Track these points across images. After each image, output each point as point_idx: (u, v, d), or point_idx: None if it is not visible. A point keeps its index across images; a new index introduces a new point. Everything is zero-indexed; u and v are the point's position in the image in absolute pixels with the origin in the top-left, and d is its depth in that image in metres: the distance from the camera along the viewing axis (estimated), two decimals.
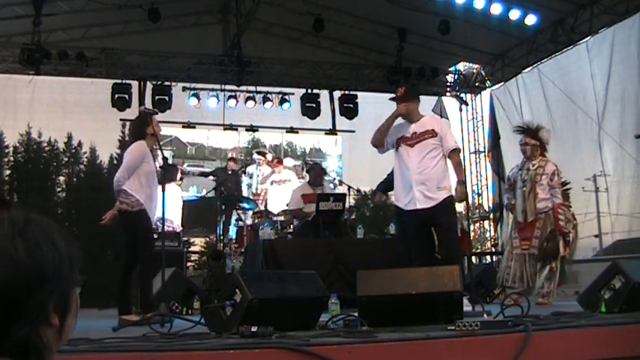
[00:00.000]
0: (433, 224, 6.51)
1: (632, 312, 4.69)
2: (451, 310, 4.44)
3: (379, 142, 6.80)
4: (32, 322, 1.24)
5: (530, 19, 13.80)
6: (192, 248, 12.29)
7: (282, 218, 10.56)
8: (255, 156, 14.73)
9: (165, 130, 14.69)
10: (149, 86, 14.79)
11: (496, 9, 13.47)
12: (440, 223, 6.44)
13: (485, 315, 5.07)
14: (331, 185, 13.03)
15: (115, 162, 13.41)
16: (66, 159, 13.51)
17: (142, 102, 14.11)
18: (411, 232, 6.59)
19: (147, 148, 6.74)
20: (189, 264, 11.32)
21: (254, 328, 3.62)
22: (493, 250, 15.16)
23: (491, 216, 16.77)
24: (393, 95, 6.96)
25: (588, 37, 13.72)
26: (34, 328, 1.25)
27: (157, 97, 14.51)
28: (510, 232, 8.71)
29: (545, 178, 8.29)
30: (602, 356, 3.69)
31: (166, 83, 14.85)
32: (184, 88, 15.33)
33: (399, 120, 6.92)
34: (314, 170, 10.80)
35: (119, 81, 14.43)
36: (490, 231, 16.92)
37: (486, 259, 14.45)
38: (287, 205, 10.50)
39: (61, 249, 1.30)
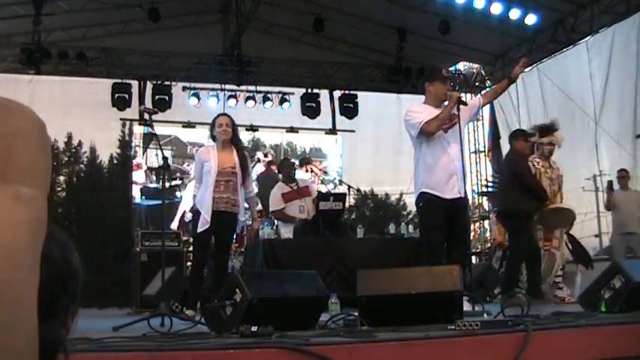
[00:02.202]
0: (455, 218, 6.41)
1: (633, 312, 4.69)
2: (451, 309, 4.44)
3: (438, 130, 6.55)
4: (60, 324, 1.25)
5: (531, 19, 13.82)
6: (192, 248, 12.27)
7: None
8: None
9: (166, 130, 14.71)
10: (149, 86, 14.79)
11: (496, 9, 13.48)
12: (462, 219, 6.34)
13: (485, 315, 5.07)
14: (310, 179, 13.00)
15: (115, 162, 13.41)
16: (66, 158, 13.49)
17: (142, 101, 14.11)
18: (442, 222, 6.48)
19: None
20: (189, 263, 11.30)
21: (254, 328, 3.62)
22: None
23: (491, 216, 16.77)
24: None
25: (588, 37, 13.74)
26: (61, 330, 1.26)
27: (157, 97, 14.51)
28: None
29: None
30: (602, 356, 3.69)
31: (166, 83, 14.85)
32: (184, 88, 15.33)
33: (421, 104, 6.83)
34: (284, 166, 10.80)
35: (119, 80, 14.43)
36: (490, 231, 16.91)
37: (486, 259, 14.45)
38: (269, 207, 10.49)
39: (75, 253, 1.31)
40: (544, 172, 8.42)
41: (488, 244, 15.91)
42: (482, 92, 6.91)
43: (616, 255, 9.81)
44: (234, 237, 11.31)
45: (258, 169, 15.34)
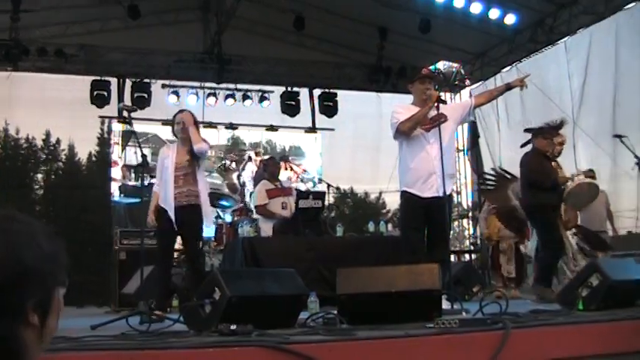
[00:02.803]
0: (435, 217, 6.39)
1: (609, 310, 4.74)
2: (430, 308, 4.46)
3: (412, 131, 6.56)
4: (10, 320, 1.22)
5: (510, 19, 13.87)
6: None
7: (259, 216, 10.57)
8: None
9: (145, 128, 14.63)
10: (128, 83, 14.71)
11: (476, 8, 13.52)
12: (441, 218, 6.31)
13: (463, 313, 5.09)
14: (292, 178, 13.05)
15: (94, 159, 13.35)
16: (44, 156, 13.43)
17: (121, 99, 14.03)
18: (421, 221, 6.50)
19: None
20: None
21: (233, 326, 3.62)
22: (472, 248, 15.25)
23: (471, 214, 16.84)
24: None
25: (567, 38, 13.84)
26: (12, 327, 1.23)
27: (136, 95, 14.43)
28: None
29: None
30: (580, 353, 3.72)
31: (146, 80, 14.77)
32: (164, 86, 15.26)
33: (407, 104, 6.84)
34: (270, 165, 10.83)
35: (98, 78, 14.35)
36: (469, 229, 16.99)
37: (465, 257, 14.52)
38: (252, 202, 10.53)
39: (45, 247, 1.28)
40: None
41: (467, 241, 16.01)
42: (477, 93, 6.96)
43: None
44: (215, 232, 11.33)
45: (250, 168, 15.39)
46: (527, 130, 9.05)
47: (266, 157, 14.53)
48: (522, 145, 8.90)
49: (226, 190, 14.86)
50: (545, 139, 8.40)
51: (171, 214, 6.84)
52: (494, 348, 3.41)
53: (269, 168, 10.72)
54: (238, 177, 15.50)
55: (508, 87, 6.92)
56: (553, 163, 8.51)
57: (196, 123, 7.32)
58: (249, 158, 16.23)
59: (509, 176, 10.00)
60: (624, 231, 11.04)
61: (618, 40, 12.77)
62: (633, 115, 12.19)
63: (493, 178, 10.67)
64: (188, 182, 7.01)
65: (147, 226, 7.39)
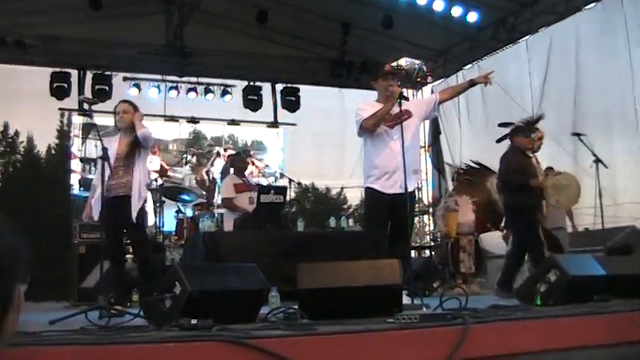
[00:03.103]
0: (397, 213, 6.36)
1: (567, 304, 4.81)
2: (391, 303, 4.48)
3: (376, 128, 6.57)
4: None
5: (472, 17, 13.99)
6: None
7: (222, 211, 10.54)
8: None
9: (105, 120, 14.45)
10: (89, 75, 14.56)
11: (439, 5, 13.60)
12: (403, 214, 6.24)
13: (424, 308, 5.13)
14: (254, 173, 13.09)
15: (54, 152, 13.20)
16: (2, 148, 13.25)
17: (81, 91, 13.89)
18: (384, 217, 6.52)
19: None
20: (127, 256, 11.17)
21: (194, 321, 3.60)
22: (432, 244, 15.33)
23: (431, 210, 16.93)
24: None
25: (528, 36, 14.00)
26: None
27: (96, 87, 14.28)
28: None
29: None
30: (537, 348, 3.77)
31: (107, 73, 14.64)
32: (125, 78, 15.14)
33: (371, 101, 6.86)
34: (237, 161, 10.83)
35: (58, 69, 14.18)
36: (430, 225, 17.08)
37: (425, 253, 14.60)
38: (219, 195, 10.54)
39: (4, 242, 1.26)
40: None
41: (427, 237, 16.10)
42: (441, 89, 7.00)
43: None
44: (175, 227, 11.27)
45: (219, 164, 15.35)
46: (502, 125, 9.09)
47: (229, 151, 14.52)
48: (498, 141, 8.95)
49: (187, 184, 14.80)
50: (525, 137, 8.43)
51: (112, 205, 6.74)
52: (453, 343, 3.44)
53: (236, 163, 10.74)
54: (207, 172, 15.44)
55: (472, 83, 6.96)
56: (532, 159, 8.55)
57: (136, 109, 7.24)
58: (218, 154, 16.21)
59: (486, 170, 10.11)
60: (582, 228, 11.18)
61: (579, 39, 12.95)
62: (593, 114, 12.36)
63: (472, 170, 10.78)
64: (128, 173, 6.94)
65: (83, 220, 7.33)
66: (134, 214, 6.87)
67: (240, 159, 10.93)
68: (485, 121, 15.17)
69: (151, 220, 12.79)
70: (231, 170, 10.95)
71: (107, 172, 6.59)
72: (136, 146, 7.02)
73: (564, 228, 10.80)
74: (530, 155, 8.46)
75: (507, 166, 8.36)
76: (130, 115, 7.11)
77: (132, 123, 7.08)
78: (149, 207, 12.24)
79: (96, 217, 7.09)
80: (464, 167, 11.18)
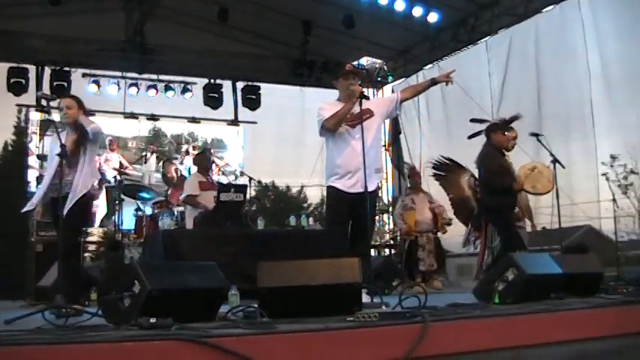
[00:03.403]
0: (359, 212, 6.32)
1: (525, 303, 4.86)
2: (351, 301, 4.49)
3: (337, 128, 6.56)
4: None
5: (433, 17, 14.08)
6: (90, 238, 12.02)
7: (182, 209, 10.49)
8: None
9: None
10: (47, 71, 14.39)
11: (400, 5, 13.67)
12: (363, 213, 6.16)
13: (383, 306, 5.14)
14: (214, 171, 13.06)
15: (10, 148, 13.01)
16: None
17: (39, 87, 13.72)
18: (346, 216, 6.52)
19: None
20: (86, 254, 11.08)
21: (153, 320, 3.58)
22: (392, 242, 15.39)
23: (391, 209, 17.00)
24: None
25: (488, 37, 14.13)
26: None
27: (55, 83, 14.12)
28: None
29: None
30: (495, 345, 3.81)
31: (65, 69, 14.48)
32: (84, 75, 14.99)
33: (332, 100, 6.85)
34: (202, 159, 10.79)
35: (15, 65, 13.99)
36: (389, 224, 17.15)
37: (385, 252, 14.66)
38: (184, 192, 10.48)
39: None
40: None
41: (387, 236, 16.16)
42: (402, 88, 7.03)
43: None
44: (134, 225, 11.18)
45: (188, 161, 15.27)
46: (475, 121, 9.15)
47: (197, 150, 14.49)
48: (470, 137, 9.01)
49: (147, 182, 14.71)
50: (503, 135, 8.49)
51: (56, 203, 6.59)
52: (413, 341, 3.46)
53: (201, 162, 10.69)
54: (176, 170, 15.36)
55: (433, 82, 6.98)
56: (508, 158, 8.64)
57: (83, 107, 7.08)
58: (187, 152, 16.15)
59: (458, 166, 10.18)
60: (540, 227, 11.31)
61: (537, 41, 13.11)
62: (552, 115, 12.53)
63: (445, 166, 10.83)
64: (73, 171, 6.78)
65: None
66: (66, 209, 6.62)
67: (204, 157, 10.90)
68: (446, 121, 15.30)
69: (99, 218, 12.69)
70: (195, 168, 10.89)
71: (52, 171, 6.49)
72: (81, 144, 6.83)
73: (524, 227, 10.91)
74: (506, 154, 8.56)
75: (489, 168, 8.43)
76: (74, 110, 6.90)
77: (76, 119, 6.91)
78: (101, 205, 12.11)
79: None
80: (435, 163, 11.22)
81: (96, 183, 7.09)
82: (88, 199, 6.88)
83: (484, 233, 9.14)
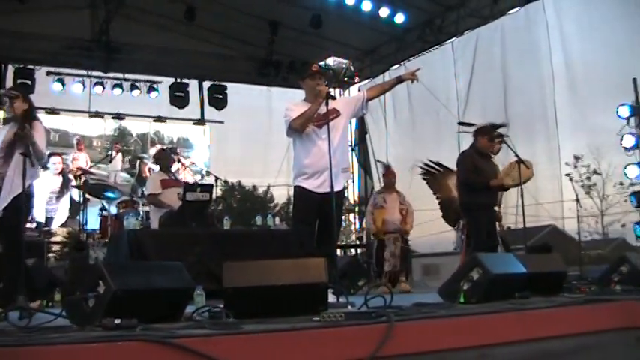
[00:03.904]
0: (325, 212, 6.29)
1: (489, 302, 4.90)
2: (316, 301, 4.49)
3: (304, 128, 6.54)
4: None
5: (400, 18, 14.16)
6: (54, 238, 11.89)
7: (147, 209, 10.42)
8: None
9: None
10: (11, 69, 14.25)
11: (367, 6, 13.72)
12: (330, 213, 6.11)
13: (349, 306, 5.16)
14: (179, 170, 13.03)
15: None
16: None
17: (2, 85, 13.57)
18: (312, 216, 6.51)
19: None
20: (50, 255, 10.95)
21: (117, 320, 3.55)
22: (358, 242, 15.45)
23: (357, 209, 17.06)
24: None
25: (454, 38, 14.23)
26: None
27: (18, 81, 13.97)
28: None
29: None
30: (461, 344, 3.83)
31: (29, 66, 14.34)
32: (49, 73, 14.86)
33: (298, 100, 6.84)
34: (163, 157, 10.74)
35: None
36: (355, 223, 17.21)
37: (351, 252, 14.70)
38: (145, 191, 10.42)
39: None
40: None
41: (353, 236, 16.22)
42: (368, 87, 7.05)
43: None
44: (99, 224, 11.08)
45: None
46: (462, 124, 9.22)
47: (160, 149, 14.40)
48: (460, 124, 9.09)
49: (112, 181, 14.60)
50: (489, 140, 8.62)
51: None
52: (378, 340, 3.47)
53: (162, 160, 10.62)
54: (149, 170, 15.24)
55: (399, 80, 7.01)
56: (492, 159, 8.75)
57: (27, 99, 6.91)
58: None
59: (446, 170, 10.27)
60: (506, 227, 11.41)
61: (503, 43, 13.23)
62: (516, 116, 12.63)
63: (433, 168, 10.92)
64: (7, 164, 6.53)
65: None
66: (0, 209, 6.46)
67: (165, 155, 10.81)
68: (412, 121, 15.37)
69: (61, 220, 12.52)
70: (157, 167, 10.83)
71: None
72: (20, 147, 6.62)
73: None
74: (492, 156, 8.69)
75: (463, 166, 8.65)
76: (19, 102, 6.75)
77: (21, 112, 6.72)
78: (40, 204, 11.82)
79: None
80: (423, 166, 11.33)
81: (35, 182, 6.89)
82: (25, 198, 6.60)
83: (466, 233, 9.25)
